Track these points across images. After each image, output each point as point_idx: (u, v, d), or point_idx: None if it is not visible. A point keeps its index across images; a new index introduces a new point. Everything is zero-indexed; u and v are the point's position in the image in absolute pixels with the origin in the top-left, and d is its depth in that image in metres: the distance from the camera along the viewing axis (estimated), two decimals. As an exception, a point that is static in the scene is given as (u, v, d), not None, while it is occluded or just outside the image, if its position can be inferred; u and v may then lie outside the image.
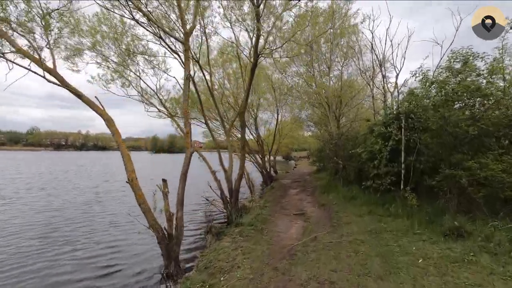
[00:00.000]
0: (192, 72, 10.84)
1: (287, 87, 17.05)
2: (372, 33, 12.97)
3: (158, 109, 10.00)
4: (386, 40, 13.25)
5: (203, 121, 15.97)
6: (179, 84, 10.00)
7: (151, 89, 10.01)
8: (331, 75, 15.81)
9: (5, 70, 4.49)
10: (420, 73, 6.85)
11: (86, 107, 4.53)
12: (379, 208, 7.44)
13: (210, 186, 9.09)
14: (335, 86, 16.13)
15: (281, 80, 18.07)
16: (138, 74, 9.90)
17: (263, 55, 7.22)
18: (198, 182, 11.80)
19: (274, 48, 7.06)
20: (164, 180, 4.33)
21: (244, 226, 7.18)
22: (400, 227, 5.69)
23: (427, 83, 6.52)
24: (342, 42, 14.97)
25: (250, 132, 18.14)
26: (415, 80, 7.05)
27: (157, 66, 9.65)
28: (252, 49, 7.45)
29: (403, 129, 8.18)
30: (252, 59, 7.43)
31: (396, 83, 11.73)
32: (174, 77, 9.88)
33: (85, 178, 21.92)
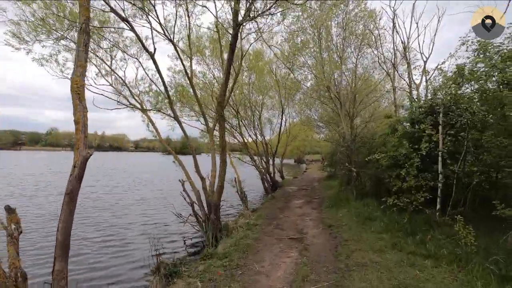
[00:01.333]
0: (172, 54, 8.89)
1: (292, 80, 14.90)
2: (394, 12, 10.70)
3: (128, 102, 8.20)
4: (411, 21, 10.82)
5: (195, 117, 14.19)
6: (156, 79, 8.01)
7: (120, 77, 8.24)
8: (343, 68, 13.56)
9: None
10: (475, 42, 4.57)
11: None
12: (408, 239, 5.18)
13: (185, 198, 7.14)
14: (348, 80, 13.85)
15: (287, 75, 15.98)
16: (108, 61, 8.19)
17: (245, 21, 5.21)
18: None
19: (260, 11, 5.02)
20: (8, 210, 2.33)
21: (215, 260, 5.16)
22: (452, 284, 3.46)
23: (486, 54, 4.24)
24: (356, 29, 12.74)
25: (249, 134, 16.12)
26: (466, 50, 4.78)
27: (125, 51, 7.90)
28: (232, 18, 5.46)
29: (441, 127, 5.92)
30: (231, 30, 5.46)
31: (424, 70, 9.36)
32: (136, 59, 7.67)
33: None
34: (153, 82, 8.13)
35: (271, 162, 19.41)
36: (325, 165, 21.90)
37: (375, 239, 5.59)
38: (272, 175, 18.84)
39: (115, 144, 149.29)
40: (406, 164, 6.04)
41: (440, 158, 5.84)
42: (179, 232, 8.43)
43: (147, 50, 6.21)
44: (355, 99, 14.52)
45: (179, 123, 6.94)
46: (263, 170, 15.42)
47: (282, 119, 17.53)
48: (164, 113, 8.36)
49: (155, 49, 6.31)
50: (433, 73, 8.15)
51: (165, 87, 6.58)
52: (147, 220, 10.03)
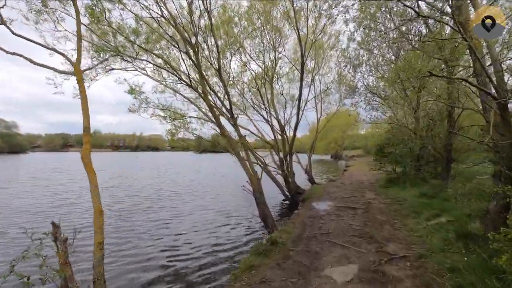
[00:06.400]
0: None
1: None
2: None
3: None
4: None
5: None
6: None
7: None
8: None
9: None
10: None
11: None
12: None
13: None
14: None
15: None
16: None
17: None
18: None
19: None
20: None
21: None
22: None
23: None
24: None
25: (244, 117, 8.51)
26: None
27: None
28: None
29: None
30: None
31: None
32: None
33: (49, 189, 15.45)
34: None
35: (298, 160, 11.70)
36: (381, 162, 13.24)
37: None
38: (289, 178, 11.12)
39: (153, 145, 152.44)
40: None
41: None
42: None
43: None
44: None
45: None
46: (254, 177, 7.79)
47: (301, 87, 9.51)
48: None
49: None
50: None
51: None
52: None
